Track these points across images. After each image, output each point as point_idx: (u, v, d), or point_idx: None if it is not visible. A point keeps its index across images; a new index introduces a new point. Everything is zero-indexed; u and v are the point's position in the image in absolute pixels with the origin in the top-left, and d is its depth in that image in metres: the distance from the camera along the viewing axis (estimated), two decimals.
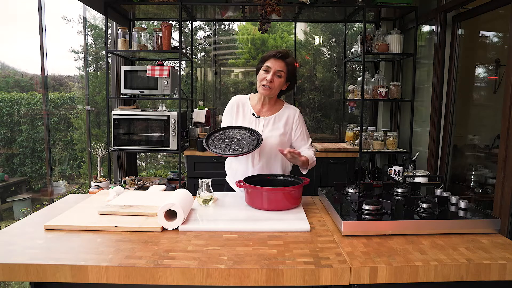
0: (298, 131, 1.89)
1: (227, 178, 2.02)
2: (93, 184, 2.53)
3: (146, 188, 3.05)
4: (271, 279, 1.03)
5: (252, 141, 1.66)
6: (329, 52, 4.32)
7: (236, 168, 1.90)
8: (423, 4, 3.21)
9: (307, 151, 1.87)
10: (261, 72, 1.79)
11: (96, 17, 4.34)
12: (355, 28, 4.17)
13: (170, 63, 4.06)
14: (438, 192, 1.61)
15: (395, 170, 2.95)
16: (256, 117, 1.86)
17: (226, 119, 1.93)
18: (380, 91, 3.32)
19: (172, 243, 1.20)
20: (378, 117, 3.95)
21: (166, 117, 3.26)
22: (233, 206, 1.57)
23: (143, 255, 1.10)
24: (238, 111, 1.90)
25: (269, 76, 1.75)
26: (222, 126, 1.92)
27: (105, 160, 3.24)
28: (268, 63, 1.77)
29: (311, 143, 1.95)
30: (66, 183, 4.44)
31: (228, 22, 4.18)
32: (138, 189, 3.24)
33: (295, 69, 1.84)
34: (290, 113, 1.88)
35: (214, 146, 1.69)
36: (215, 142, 1.72)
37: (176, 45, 3.50)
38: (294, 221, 1.38)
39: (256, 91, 1.93)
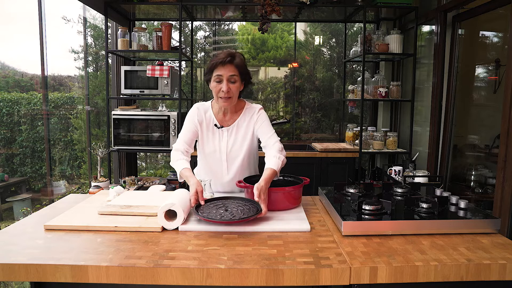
0: (258, 124, 1.74)
1: None
2: (93, 184, 2.53)
3: (146, 188, 3.05)
4: (271, 279, 1.03)
5: (249, 211, 1.41)
6: (329, 52, 4.32)
7: (206, 180, 1.74)
8: (423, 4, 3.21)
9: (270, 160, 1.62)
10: (213, 83, 1.64)
11: (96, 17, 4.34)
12: (355, 28, 4.17)
13: (170, 63, 4.05)
14: (438, 192, 1.61)
15: (395, 170, 2.95)
16: (218, 128, 1.75)
17: (187, 127, 1.76)
18: (380, 91, 3.32)
19: (172, 243, 1.20)
20: (378, 117, 3.95)
21: (166, 117, 3.26)
22: None
23: (143, 255, 1.10)
24: (201, 123, 1.76)
25: (224, 86, 1.60)
26: (182, 132, 1.77)
27: (105, 160, 3.24)
28: (217, 72, 1.61)
29: (276, 142, 1.71)
30: (66, 183, 4.44)
31: (228, 22, 4.18)
32: (138, 189, 3.24)
33: (245, 67, 1.69)
34: (250, 113, 1.76)
35: (202, 212, 1.40)
36: (205, 208, 1.45)
37: (176, 45, 3.50)
38: (294, 221, 1.38)
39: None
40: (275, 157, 1.62)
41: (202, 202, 1.45)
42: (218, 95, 1.64)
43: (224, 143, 1.76)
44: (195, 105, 1.80)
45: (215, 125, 1.76)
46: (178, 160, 1.66)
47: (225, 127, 1.76)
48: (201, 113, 1.77)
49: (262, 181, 1.46)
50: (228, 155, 1.76)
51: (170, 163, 1.73)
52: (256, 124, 1.76)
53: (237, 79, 1.64)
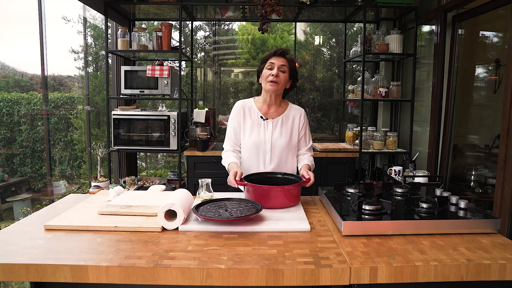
0: (302, 132, 1.94)
1: None
2: (93, 184, 2.53)
3: (146, 188, 3.05)
4: (271, 279, 1.03)
5: (249, 211, 1.39)
6: (329, 52, 4.32)
7: (247, 169, 1.89)
8: (423, 4, 3.21)
9: (306, 158, 1.91)
10: (265, 70, 1.82)
11: (96, 17, 4.34)
12: (355, 28, 4.17)
13: (170, 63, 4.05)
14: (438, 192, 1.61)
15: (395, 170, 2.95)
16: (264, 120, 1.88)
17: (232, 126, 1.93)
18: (380, 91, 3.32)
19: (172, 243, 1.20)
20: (378, 117, 3.95)
21: (166, 117, 3.26)
22: None
23: (143, 255, 1.10)
24: (245, 116, 1.90)
25: (274, 71, 1.78)
26: (228, 132, 1.93)
27: (105, 160, 3.24)
28: (271, 60, 1.82)
29: (311, 145, 1.98)
30: (66, 183, 4.44)
31: (228, 22, 4.18)
32: (138, 189, 3.24)
33: (295, 66, 1.89)
34: (296, 114, 1.92)
35: (201, 211, 1.40)
36: (205, 208, 1.44)
37: (176, 45, 3.50)
38: (294, 221, 1.38)
39: (258, 94, 1.96)
40: (309, 159, 1.92)
41: (238, 179, 1.61)
42: (267, 80, 1.80)
43: (269, 133, 1.86)
44: (238, 103, 1.94)
45: (261, 117, 1.88)
46: (226, 158, 1.87)
47: (270, 119, 1.88)
48: (244, 109, 1.91)
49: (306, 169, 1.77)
50: (273, 145, 1.86)
51: (222, 163, 1.92)
52: (301, 131, 1.93)
53: (287, 70, 1.82)
